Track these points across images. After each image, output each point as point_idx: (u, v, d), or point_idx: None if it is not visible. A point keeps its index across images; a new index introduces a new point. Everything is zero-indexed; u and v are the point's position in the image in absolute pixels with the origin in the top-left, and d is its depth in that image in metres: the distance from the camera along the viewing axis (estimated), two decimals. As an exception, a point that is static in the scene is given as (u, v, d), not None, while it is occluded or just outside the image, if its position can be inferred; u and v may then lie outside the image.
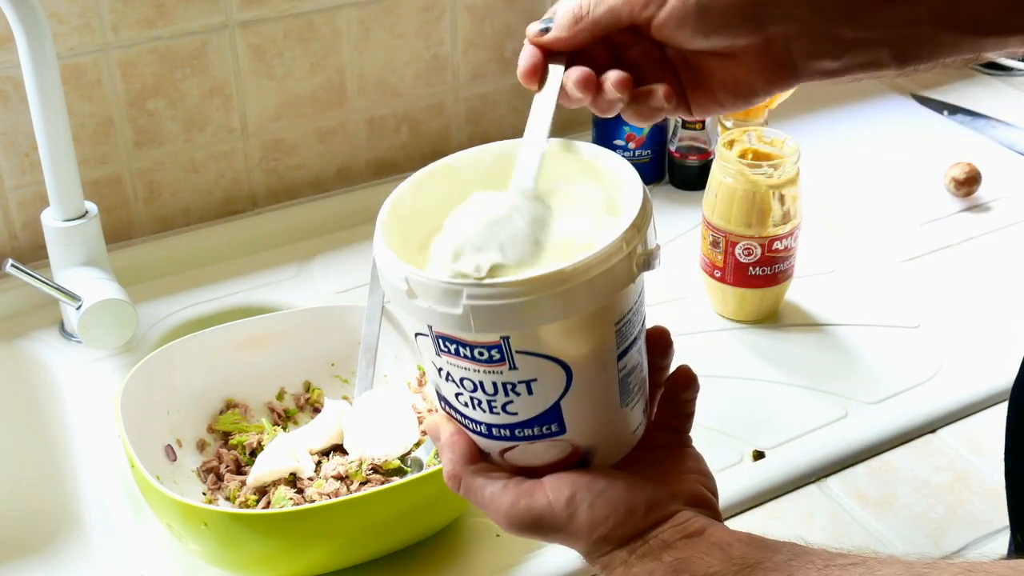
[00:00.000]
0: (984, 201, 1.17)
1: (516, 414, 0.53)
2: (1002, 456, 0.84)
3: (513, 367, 0.51)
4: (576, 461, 0.56)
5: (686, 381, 0.60)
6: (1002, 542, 0.77)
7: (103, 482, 0.83)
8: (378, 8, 1.14)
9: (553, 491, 0.54)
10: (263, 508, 0.77)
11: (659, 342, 0.59)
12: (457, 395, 0.54)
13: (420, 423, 0.83)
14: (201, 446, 0.84)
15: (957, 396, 0.89)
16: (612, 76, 0.56)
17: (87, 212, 0.93)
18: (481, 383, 0.53)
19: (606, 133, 1.19)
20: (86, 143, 1.05)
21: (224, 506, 0.79)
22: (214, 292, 1.03)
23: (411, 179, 0.57)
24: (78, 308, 0.89)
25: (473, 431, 0.56)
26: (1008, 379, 0.91)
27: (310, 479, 0.79)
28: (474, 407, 0.54)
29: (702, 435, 0.87)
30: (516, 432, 0.54)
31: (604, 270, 0.50)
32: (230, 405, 0.86)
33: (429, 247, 0.54)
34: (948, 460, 0.84)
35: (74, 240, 0.92)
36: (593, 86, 0.56)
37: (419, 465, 0.79)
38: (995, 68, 1.46)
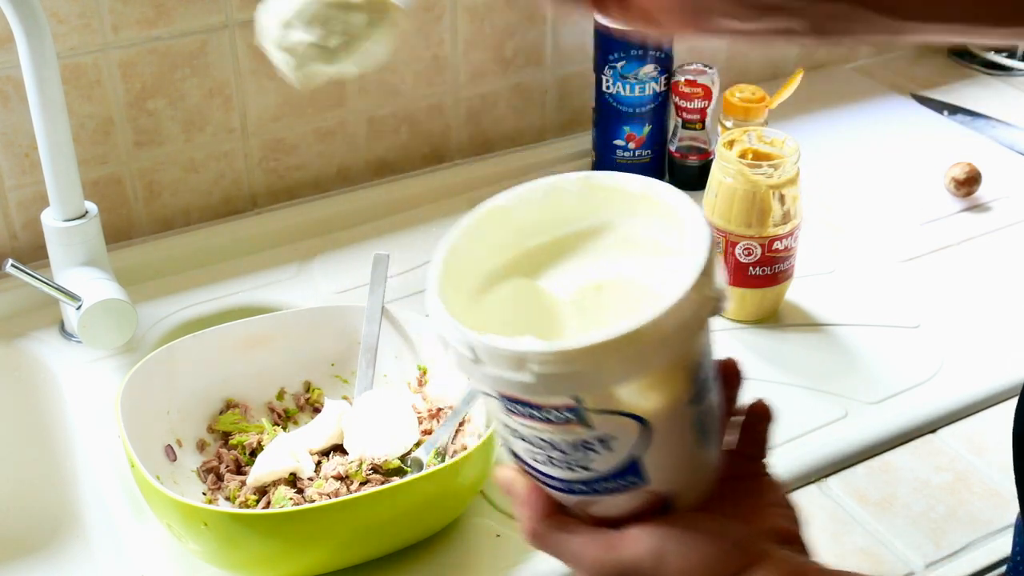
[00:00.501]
0: (984, 201, 1.17)
1: (595, 470, 0.51)
2: (1002, 456, 0.84)
3: (589, 426, 0.49)
4: (658, 508, 0.54)
5: (765, 414, 0.58)
6: (1002, 542, 0.77)
7: (103, 482, 0.83)
8: (378, 8, 1.14)
9: (639, 543, 0.52)
10: (263, 508, 0.77)
11: (731, 374, 0.58)
12: (530, 453, 0.52)
13: (420, 423, 0.83)
14: (201, 446, 0.84)
15: (957, 396, 0.89)
16: None
17: (87, 212, 0.93)
18: (555, 443, 0.50)
19: (606, 133, 1.19)
20: (86, 143, 1.05)
21: (224, 506, 0.79)
22: (214, 292, 1.03)
23: (461, 225, 0.55)
24: (78, 308, 0.89)
25: (550, 486, 0.54)
26: (1008, 379, 0.91)
27: (310, 479, 0.79)
28: (550, 465, 0.52)
29: (702, 435, 0.87)
30: (596, 487, 0.52)
31: (677, 324, 0.47)
32: (230, 405, 0.86)
33: (483, 299, 0.53)
34: (948, 460, 0.84)
35: (74, 240, 0.92)
36: None
37: (419, 465, 0.79)
38: (995, 68, 1.46)
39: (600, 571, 0.53)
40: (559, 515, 0.54)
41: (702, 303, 0.49)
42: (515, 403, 0.49)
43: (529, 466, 0.53)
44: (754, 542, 0.52)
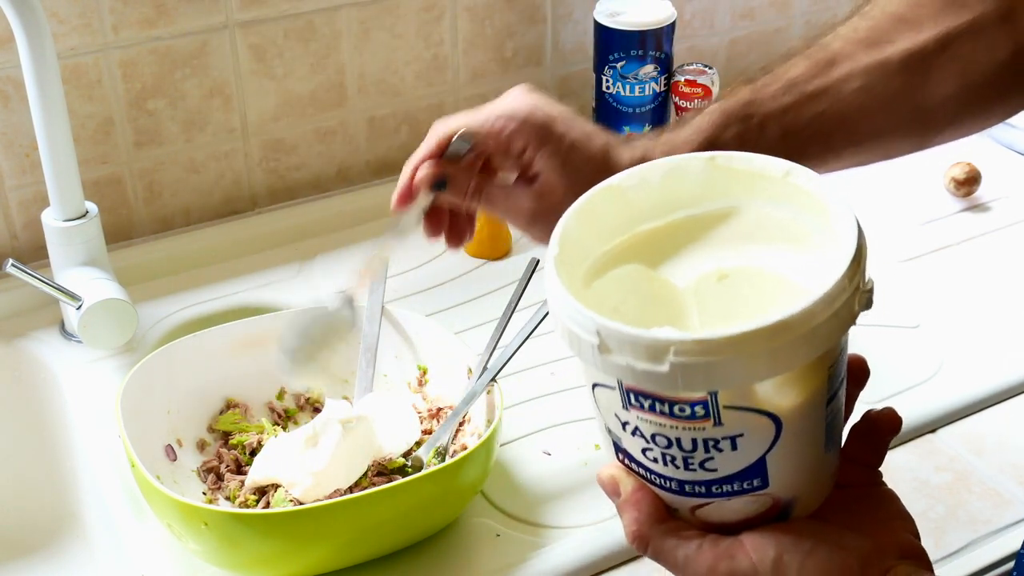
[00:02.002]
0: (984, 201, 1.17)
1: (715, 470, 0.48)
2: (1002, 456, 0.85)
3: (718, 423, 0.46)
4: (776, 514, 0.50)
5: (894, 424, 0.55)
6: (1002, 542, 0.77)
7: (103, 482, 0.83)
8: (378, 8, 1.14)
9: (756, 551, 0.49)
10: (263, 508, 0.77)
11: (858, 372, 0.54)
12: (645, 450, 0.49)
13: (420, 423, 0.83)
14: (201, 446, 0.84)
15: (957, 396, 0.89)
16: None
17: (87, 212, 0.93)
18: (678, 439, 0.47)
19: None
20: (86, 143, 1.05)
21: (224, 506, 0.79)
22: (214, 292, 1.03)
23: (575, 207, 0.52)
24: (78, 308, 0.89)
25: (660, 487, 0.50)
26: (1008, 379, 0.91)
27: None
28: (665, 463, 0.48)
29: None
30: (713, 488, 0.49)
31: (828, 316, 0.44)
32: (230, 405, 0.86)
33: (595, 285, 0.50)
34: (948, 460, 0.84)
35: (74, 240, 0.93)
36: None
37: (419, 465, 0.79)
38: (995, 68, 1.46)
39: None
40: (670, 519, 0.51)
41: (854, 294, 0.45)
42: (640, 396, 0.46)
43: (639, 464, 0.50)
44: (879, 557, 0.50)
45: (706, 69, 1.16)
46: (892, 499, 0.54)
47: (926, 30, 0.68)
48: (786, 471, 0.49)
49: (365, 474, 0.78)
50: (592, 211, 0.52)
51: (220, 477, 0.81)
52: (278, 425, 0.86)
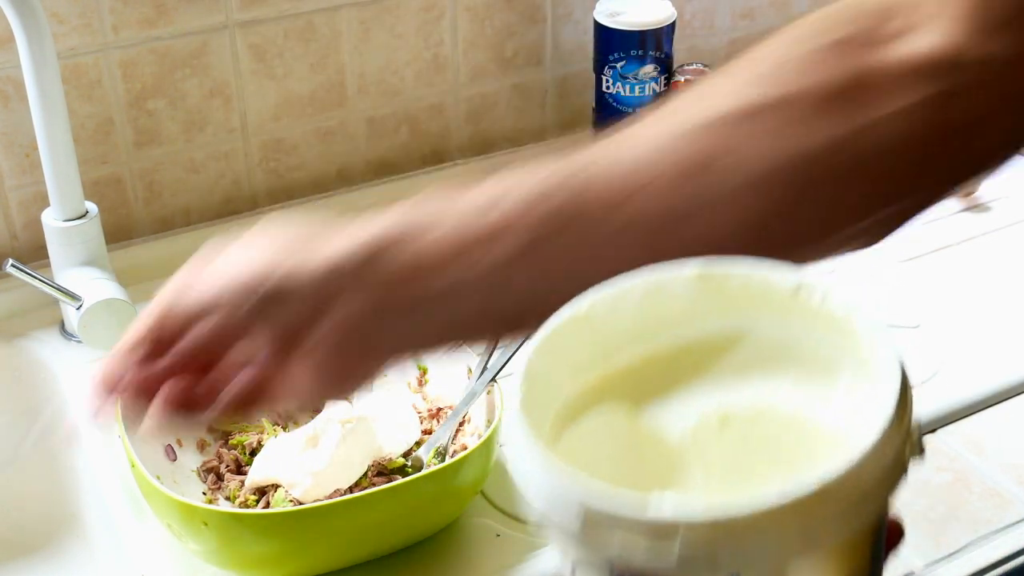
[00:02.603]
0: (984, 201, 1.17)
1: None
2: (1002, 456, 0.85)
3: None
4: None
5: (896, 536, 0.44)
6: (1002, 542, 0.77)
7: (103, 482, 0.83)
8: (378, 8, 1.14)
9: None
10: (263, 508, 0.77)
11: (893, 536, 0.43)
12: None
13: (420, 423, 0.83)
14: (201, 446, 0.84)
15: (957, 396, 0.89)
16: None
17: (87, 212, 0.93)
18: None
19: (606, 133, 1.19)
20: (86, 143, 1.05)
21: (224, 506, 0.79)
22: (214, 292, 1.03)
23: (537, 340, 0.42)
24: (78, 308, 0.89)
25: None
26: (1008, 379, 0.91)
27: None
28: None
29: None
30: None
31: (877, 474, 0.35)
32: (230, 405, 0.86)
33: (564, 437, 0.40)
34: (948, 460, 0.84)
35: (74, 240, 0.92)
36: None
37: (419, 465, 0.79)
38: (995, 68, 1.46)
39: None
40: None
41: (905, 441, 0.36)
42: None
43: None
44: None
45: (706, 69, 1.16)
46: None
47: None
48: None
49: (365, 474, 0.78)
50: (558, 343, 0.42)
51: (220, 477, 0.81)
52: (278, 425, 0.86)
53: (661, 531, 0.34)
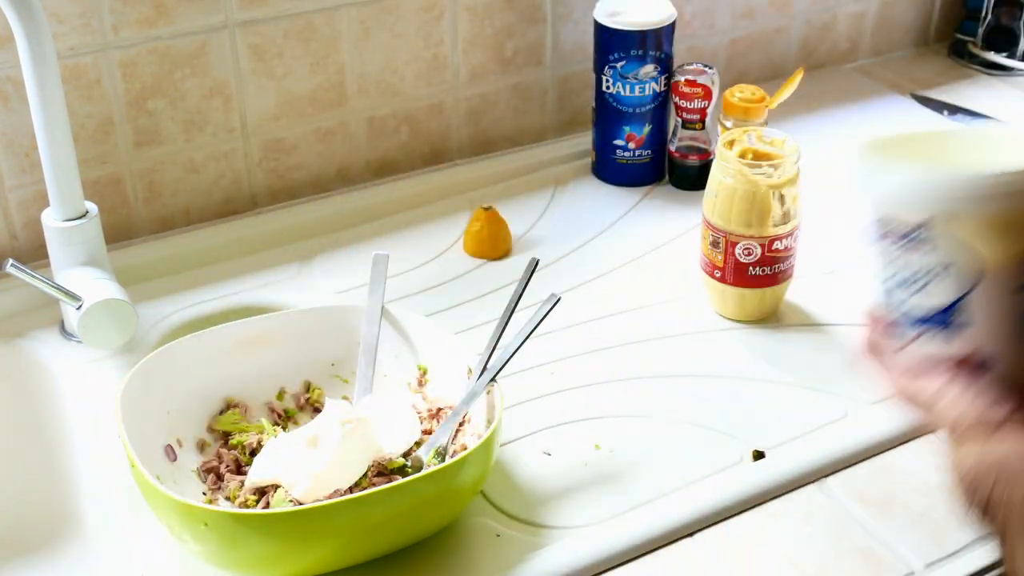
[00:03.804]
0: None
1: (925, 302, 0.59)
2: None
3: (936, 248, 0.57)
4: (974, 367, 0.60)
5: None
6: (1002, 542, 0.77)
7: (103, 482, 0.83)
8: (378, 8, 1.14)
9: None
10: (263, 508, 0.77)
11: None
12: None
13: (420, 423, 0.83)
14: (201, 446, 0.84)
15: (957, 396, 0.89)
16: None
17: (87, 212, 0.93)
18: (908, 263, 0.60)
19: (606, 133, 1.19)
20: (86, 143, 1.05)
21: (224, 506, 0.79)
22: (214, 292, 1.03)
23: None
24: (78, 308, 0.89)
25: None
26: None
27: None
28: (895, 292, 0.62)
29: (702, 435, 0.87)
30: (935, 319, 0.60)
31: None
32: (230, 405, 0.86)
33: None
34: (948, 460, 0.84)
35: (74, 240, 0.93)
36: None
37: (419, 465, 0.79)
38: (995, 68, 1.46)
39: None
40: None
41: None
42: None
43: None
44: None
45: (706, 69, 1.16)
46: None
47: None
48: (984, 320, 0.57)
49: (365, 474, 0.78)
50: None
51: (220, 477, 0.81)
52: (278, 425, 0.86)
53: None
